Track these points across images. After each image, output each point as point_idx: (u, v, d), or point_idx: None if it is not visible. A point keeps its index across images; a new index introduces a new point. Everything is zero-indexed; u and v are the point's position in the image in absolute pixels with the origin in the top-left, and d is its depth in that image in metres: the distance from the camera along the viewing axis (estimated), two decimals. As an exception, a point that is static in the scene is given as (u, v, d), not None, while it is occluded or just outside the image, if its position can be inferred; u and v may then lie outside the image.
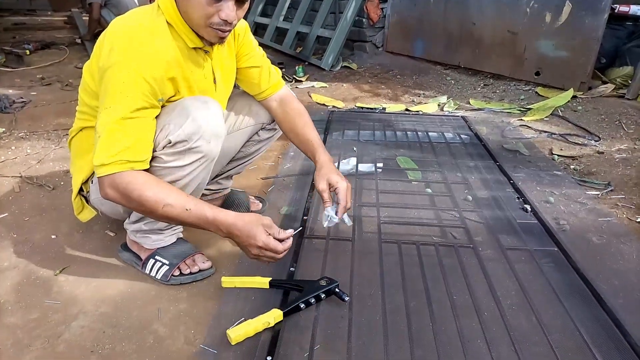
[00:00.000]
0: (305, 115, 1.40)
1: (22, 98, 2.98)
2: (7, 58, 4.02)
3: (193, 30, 1.10)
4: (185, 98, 1.13)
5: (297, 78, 3.73)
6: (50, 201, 1.70)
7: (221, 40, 1.10)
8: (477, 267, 1.31)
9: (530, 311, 1.15)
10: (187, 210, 1.03)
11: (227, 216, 1.06)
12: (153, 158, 1.10)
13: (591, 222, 1.60)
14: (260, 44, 1.43)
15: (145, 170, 1.05)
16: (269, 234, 1.08)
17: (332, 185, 1.25)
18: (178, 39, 1.10)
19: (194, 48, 1.13)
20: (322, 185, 1.25)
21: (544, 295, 1.22)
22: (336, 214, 1.23)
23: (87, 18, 4.83)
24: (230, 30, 1.08)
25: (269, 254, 1.08)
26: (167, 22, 1.08)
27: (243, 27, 1.31)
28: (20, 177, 1.88)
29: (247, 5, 1.08)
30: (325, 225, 1.27)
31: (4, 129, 2.41)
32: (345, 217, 1.28)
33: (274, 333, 1.05)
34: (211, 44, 1.16)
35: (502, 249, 1.40)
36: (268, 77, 1.38)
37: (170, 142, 1.07)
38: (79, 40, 5.08)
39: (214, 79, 1.24)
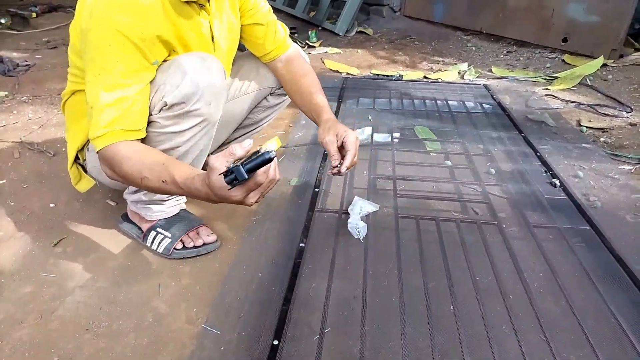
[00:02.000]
0: (310, 75, 1.28)
1: (26, 61, 2.88)
2: (12, 20, 3.90)
3: None
4: (181, 55, 1.01)
5: (310, 44, 3.57)
6: (50, 168, 1.62)
7: None
8: (502, 246, 1.21)
9: (560, 294, 1.05)
10: (163, 182, 0.89)
11: (194, 182, 0.84)
12: (149, 123, 1.00)
13: (624, 199, 1.48)
14: (272, 9, 1.30)
15: (141, 138, 0.96)
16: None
17: (339, 136, 1.11)
18: None
19: (187, 2, 1.00)
20: (329, 136, 1.11)
21: (575, 277, 1.12)
22: (338, 172, 1.09)
23: None
24: None
25: (253, 197, 0.81)
26: None
27: None
28: (21, 142, 1.81)
29: None
30: (355, 235, 1.24)
31: (6, 93, 2.33)
32: (368, 205, 1.26)
33: (281, 313, 0.97)
34: None
35: (529, 226, 1.29)
36: (274, 37, 1.26)
37: (166, 105, 0.97)
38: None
39: (212, 36, 1.11)
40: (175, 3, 0.98)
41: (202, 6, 1.05)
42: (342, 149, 1.11)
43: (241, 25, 1.23)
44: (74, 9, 0.98)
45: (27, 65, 2.82)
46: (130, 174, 0.92)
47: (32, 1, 5.12)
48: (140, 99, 0.95)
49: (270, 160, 0.73)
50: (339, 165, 1.09)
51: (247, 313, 1.01)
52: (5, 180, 1.53)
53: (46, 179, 1.55)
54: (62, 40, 3.50)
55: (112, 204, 1.42)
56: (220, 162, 0.77)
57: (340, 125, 1.13)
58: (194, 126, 1.01)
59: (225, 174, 0.75)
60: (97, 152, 0.96)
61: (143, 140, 1.01)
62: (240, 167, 0.73)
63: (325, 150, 1.67)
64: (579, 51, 2.91)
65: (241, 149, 0.77)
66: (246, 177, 0.73)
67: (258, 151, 0.75)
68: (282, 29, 1.30)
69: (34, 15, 4.21)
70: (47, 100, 2.26)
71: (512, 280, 1.10)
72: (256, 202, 0.82)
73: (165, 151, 1.02)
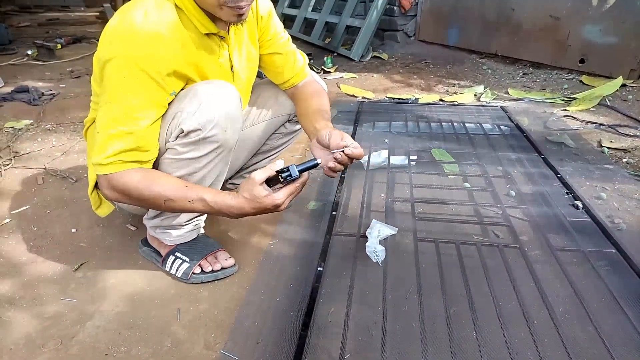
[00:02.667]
0: (319, 97, 1.24)
1: (51, 90, 2.98)
2: (39, 52, 4.06)
3: (206, 13, 1.00)
4: (198, 83, 1.03)
5: (326, 69, 3.62)
6: (72, 194, 1.65)
7: (239, 18, 0.98)
8: (525, 270, 1.18)
9: (587, 320, 1.02)
10: (189, 202, 0.97)
11: (226, 199, 0.96)
12: (167, 149, 1.02)
13: (650, 221, 1.44)
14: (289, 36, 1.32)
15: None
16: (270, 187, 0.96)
17: (343, 135, 1.02)
18: (189, 26, 0.99)
19: (207, 34, 1.03)
20: (333, 131, 1.03)
21: (602, 302, 1.09)
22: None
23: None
24: (248, 6, 0.96)
25: (288, 200, 0.97)
26: (176, 5, 0.97)
27: (267, 10, 1.20)
28: (45, 169, 1.85)
29: None
30: (374, 259, 1.23)
31: (31, 121, 2.40)
32: (386, 229, 1.26)
33: (300, 339, 0.96)
34: (229, 26, 1.06)
35: (552, 249, 1.26)
36: (292, 65, 1.28)
37: (183, 132, 0.99)
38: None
39: (232, 66, 1.14)
40: (195, 36, 1.01)
41: (222, 38, 1.07)
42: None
43: (260, 55, 1.25)
44: (97, 40, 1.02)
45: (51, 94, 2.92)
46: (152, 198, 0.96)
47: (57, 33, 5.33)
48: (150, 134, 0.97)
49: (317, 164, 0.93)
50: (341, 154, 0.98)
51: (265, 339, 1.00)
52: (28, 206, 1.57)
53: (68, 205, 1.58)
54: (85, 70, 3.62)
55: (132, 228, 1.43)
56: (262, 175, 0.93)
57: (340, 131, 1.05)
58: (210, 152, 1.03)
59: (281, 174, 0.92)
60: (98, 176, 0.99)
61: (160, 167, 1.04)
62: (294, 166, 0.91)
63: (342, 174, 1.67)
64: (597, 72, 2.89)
65: (277, 166, 0.95)
66: (298, 174, 0.92)
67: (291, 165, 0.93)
68: (302, 58, 1.31)
69: (59, 46, 4.38)
70: (70, 128, 2.32)
71: (536, 305, 1.07)
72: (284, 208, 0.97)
73: (182, 177, 1.04)
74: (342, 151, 0.97)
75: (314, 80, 1.33)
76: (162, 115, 1.01)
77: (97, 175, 0.99)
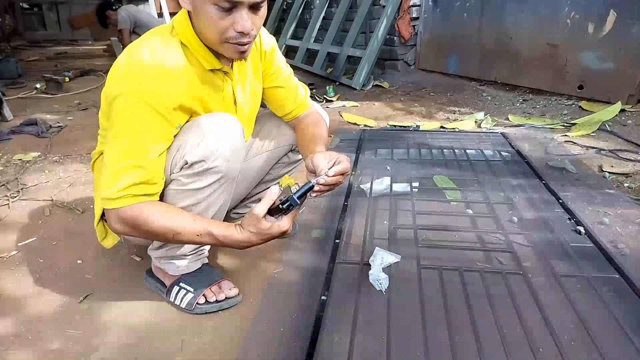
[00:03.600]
0: (319, 127, 1.27)
1: (58, 123, 3.04)
2: (47, 85, 4.16)
3: (210, 50, 1.04)
4: (201, 116, 1.06)
5: (328, 98, 3.68)
6: (78, 225, 1.67)
7: (242, 55, 1.02)
8: (529, 297, 1.18)
9: (593, 347, 1.01)
10: (198, 236, 1.01)
11: (234, 234, 1.00)
12: (172, 180, 1.05)
13: (654, 246, 1.44)
14: (291, 66, 1.37)
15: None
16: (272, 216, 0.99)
17: (330, 157, 1.03)
18: (193, 62, 1.03)
19: (212, 70, 1.07)
20: (320, 155, 1.04)
21: (608, 329, 1.08)
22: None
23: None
24: (250, 43, 1.00)
25: (292, 222, 1.01)
26: (181, 43, 1.02)
27: (270, 46, 1.24)
28: (51, 200, 1.88)
29: (263, 12, 0.99)
30: (377, 287, 1.23)
31: (39, 153, 2.44)
32: (389, 256, 1.26)
33: (305, 370, 0.96)
34: (232, 62, 1.10)
35: (556, 275, 1.26)
36: (294, 98, 1.31)
37: (187, 163, 1.02)
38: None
39: (235, 100, 1.17)
40: (200, 71, 1.05)
41: (226, 73, 1.11)
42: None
43: (263, 88, 1.29)
44: (105, 73, 1.06)
45: (59, 126, 2.98)
46: (161, 232, 1.00)
47: (65, 66, 5.47)
48: (158, 167, 1.01)
49: (313, 186, 0.96)
50: (323, 178, 0.98)
51: (269, 370, 0.99)
52: (35, 238, 1.58)
53: (74, 236, 1.59)
54: (92, 102, 3.70)
55: (137, 259, 1.44)
56: (263, 208, 0.96)
57: (334, 152, 1.08)
58: (213, 182, 1.05)
59: (282, 205, 0.96)
60: (106, 210, 1.01)
61: (165, 198, 1.07)
62: (294, 196, 0.95)
63: (345, 202, 1.69)
64: (596, 97, 2.93)
65: (274, 194, 0.97)
66: (299, 203, 0.96)
67: (287, 186, 0.98)
68: (303, 90, 1.35)
69: (67, 79, 4.49)
70: (77, 160, 2.36)
71: (541, 332, 1.06)
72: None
73: (187, 207, 1.07)
74: (326, 174, 0.99)
75: (315, 111, 1.36)
76: (167, 148, 1.03)
77: (105, 209, 1.01)
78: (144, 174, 0.98)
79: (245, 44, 0.99)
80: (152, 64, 0.97)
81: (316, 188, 0.98)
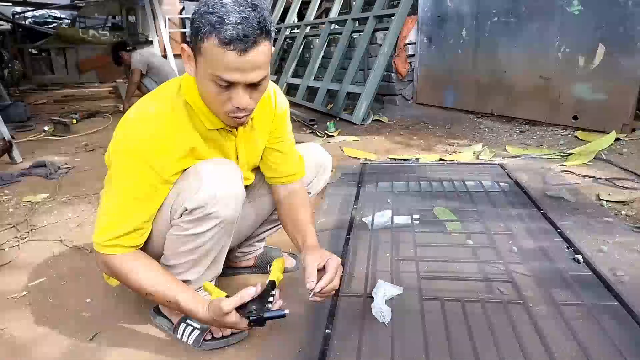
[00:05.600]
0: (307, 208, 1.32)
1: (66, 164, 3.12)
2: (55, 127, 4.27)
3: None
4: (200, 162, 1.10)
5: (329, 133, 3.77)
6: (87, 264, 1.71)
7: (240, 124, 1.09)
8: (530, 326, 1.20)
9: (594, 375, 1.03)
10: (167, 302, 1.08)
11: (198, 313, 1.05)
12: (173, 225, 1.11)
13: (653, 273, 1.46)
14: (293, 103, 1.43)
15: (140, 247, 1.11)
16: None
17: (322, 258, 1.11)
18: (197, 121, 1.09)
19: (215, 129, 1.12)
20: (311, 257, 1.12)
21: (608, 356, 1.10)
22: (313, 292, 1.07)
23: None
24: (247, 115, 1.05)
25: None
26: (187, 102, 1.07)
27: (283, 110, 1.28)
28: (60, 240, 1.92)
29: (264, 86, 1.02)
30: (380, 320, 1.25)
31: (48, 194, 2.50)
32: (391, 288, 1.28)
33: (311, 403, 0.97)
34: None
35: (556, 304, 1.29)
36: (289, 167, 1.33)
37: (186, 210, 1.06)
38: (122, 108, 5.38)
39: (237, 156, 1.22)
40: (203, 130, 1.10)
41: (229, 131, 1.16)
42: (322, 271, 1.10)
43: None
44: (111, 114, 1.13)
45: (67, 167, 3.05)
46: (136, 287, 1.09)
47: (72, 108, 5.61)
48: (146, 225, 1.09)
49: (284, 315, 1.00)
50: (313, 287, 1.05)
51: (276, 404, 1.01)
52: (45, 278, 1.62)
53: (83, 276, 1.63)
54: (99, 143, 3.79)
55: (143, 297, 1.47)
56: (231, 305, 0.99)
57: (325, 250, 1.16)
58: (213, 227, 1.09)
59: (249, 317, 1.00)
60: (98, 254, 1.09)
61: (167, 243, 1.14)
62: (263, 318, 1.00)
63: (347, 235, 1.72)
64: (591, 127, 2.99)
65: (248, 295, 1.00)
66: (264, 325, 1.02)
67: (272, 283, 1.08)
68: (299, 161, 1.36)
69: (74, 121, 4.60)
70: (85, 200, 2.41)
71: (543, 361, 1.08)
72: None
73: (188, 251, 1.13)
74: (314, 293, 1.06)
75: (303, 187, 1.37)
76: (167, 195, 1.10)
77: (95, 250, 1.09)
78: (135, 225, 1.06)
79: (242, 117, 1.05)
80: (156, 124, 1.04)
81: (315, 297, 1.06)
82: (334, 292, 1.09)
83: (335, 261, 1.10)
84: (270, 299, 1.04)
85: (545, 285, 1.39)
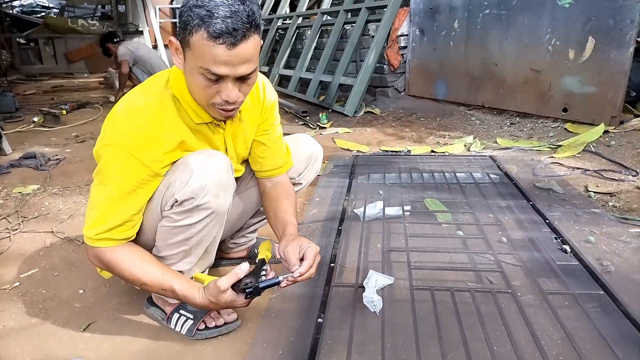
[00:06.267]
0: (291, 198, 1.31)
1: (57, 155, 3.09)
2: (45, 118, 4.22)
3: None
4: (190, 154, 1.10)
5: (321, 125, 3.77)
6: (79, 255, 1.71)
7: (228, 117, 1.09)
8: (517, 314, 1.23)
9: (579, 362, 1.05)
10: (162, 290, 1.08)
11: (195, 298, 1.06)
12: (164, 217, 1.11)
13: (638, 262, 1.49)
14: (285, 95, 1.43)
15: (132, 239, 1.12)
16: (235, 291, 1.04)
17: (301, 247, 1.09)
18: (184, 114, 1.09)
19: (202, 122, 1.12)
20: (290, 246, 1.10)
21: (593, 343, 1.13)
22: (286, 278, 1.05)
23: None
24: (235, 109, 1.05)
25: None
26: (175, 96, 1.07)
27: (272, 101, 1.28)
28: (52, 232, 1.91)
29: (253, 80, 1.03)
30: (371, 309, 1.27)
31: (38, 186, 2.49)
32: (382, 278, 1.29)
33: (303, 390, 0.99)
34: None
35: (543, 293, 1.31)
36: (274, 161, 1.33)
37: (177, 201, 1.07)
38: (112, 99, 5.34)
39: (226, 149, 1.22)
40: (191, 123, 1.10)
41: (217, 125, 1.16)
42: (301, 260, 1.08)
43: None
44: (101, 105, 1.13)
45: (57, 159, 3.03)
46: (130, 279, 1.09)
47: (62, 99, 5.55)
48: (136, 217, 1.09)
49: (279, 283, 1.02)
50: (302, 272, 1.04)
51: (269, 391, 1.03)
52: (37, 269, 1.62)
53: (75, 267, 1.63)
54: (90, 134, 3.76)
55: (138, 287, 1.47)
56: (227, 282, 1.00)
57: (303, 238, 1.13)
58: (204, 218, 1.10)
59: (245, 290, 1.01)
60: (89, 248, 1.09)
61: (158, 235, 1.14)
62: (259, 288, 1.01)
63: (339, 226, 1.74)
64: (580, 120, 3.03)
65: (242, 272, 1.01)
66: (260, 294, 1.02)
67: (262, 261, 1.10)
68: (285, 152, 1.36)
69: (64, 112, 4.55)
70: (76, 191, 2.40)
71: (530, 349, 1.11)
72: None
73: (180, 242, 1.13)
74: (289, 277, 1.04)
75: (287, 180, 1.37)
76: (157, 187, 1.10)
77: (85, 244, 1.09)
78: (125, 218, 1.06)
79: (231, 110, 1.05)
80: (144, 118, 1.04)
81: (283, 284, 1.04)
82: (310, 278, 1.07)
83: (314, 249, 1.08)
84: (263, 272, 1.05)
85: (533, 274, 1.42)
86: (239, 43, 0.92)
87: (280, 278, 1.02)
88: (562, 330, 1.16)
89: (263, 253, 1.13)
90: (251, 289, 1.00)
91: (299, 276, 1.04)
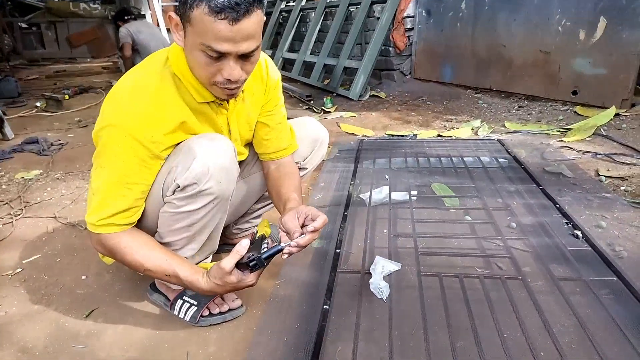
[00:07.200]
0: (295, 178, 1.27)
1: (59, 140, 3.07)
2: (47, 103, 4.20)
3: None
4: (192, 137, 1.07)
5: (326, 109, 3.72)
6: (82, 241, 1.69)
7: (230, 96, 1.04)
8: (528, 301, 1.20)
9: (592, 349, 1.03)
10: (166, 275, 1.06)
11: (199, 283, 1.04)
12: (165, 203, 1.08)
13: (651, 248, 1.46)
14: (289, 78, 1.38)
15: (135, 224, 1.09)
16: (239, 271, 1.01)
17: (299, 212, 1.04)
18: (185, 93, 1.04)
19: (205, 102, 1.08)
20: (288, 215, 1.04)
21: (607, 330, 1.10)
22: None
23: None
24: (238, 87, 1.01)
25: (258, 277, 1.05)
26: (175, 74, 1.03)
27: (275, 80, 1.24)
28: (54, 217, 1.89)
29: (256, 58, 0.98)
30: (378, 295, 1.25)
31: (41, 171, 2.47)
32: (389, 264, 1.26)
33: (309, 378, 0.97)
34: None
35: (554, 279, 1.28)
36: (278, 143, 1.29)
37: (179, 186, 1.03)
38: (114, 83, 5.30)
39: (229, 130, 1.18)
40: (192, 102, 1.06)
41: (220, 104, 1.12)
42: (303, 227, 1.03)
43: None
44: (104, 90, 1.09)
45: (60, 144, 3.00)
46: (133, 265, 1.06)
47: (65, 84, 5.51)
48: (139, 200, 1.05)
49: (282, 250, 0.97)
50: (295, 241, 0.99)
51: (274, 379, 1.01)
52: (40, 255, 1.60)
53: (78, 252, 1.61)
54: (92, 119, 3.73)
55: (141, 274, 1.45)
56: (230, 262, 0.97)
57: (302, 206, 1.08)
58: (207, 204, 1.06)
59: (249, 264, 0.97)
60: (93, 234, 1.07)
61: (160, 221, 1.11)
62: (261, 257, 0.97)
63: (345, 212, 1.71)
64: (590, 102, 2.96)
65: (243, 248, 0.98)
66: (265, 264, 0.98)
67: (261, 236, 1.05)
68: (290, 134, 1.32)
69: (67, 97, 4.53)
70: (79, 177, 2.38)
71: (541, 336, 1.08)
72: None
73: (183, 228, 1.10)
74: (297, 241, 0.99)
75: (292, 162, 1.33)
76: (158, 171, 1.06)
77: (88, 230, 1.07)
78: (127, 203, 1.03)
79: (233, 89, 1.00)
80: (143, 98, 1.00)
81: (286, 251, 0.98)
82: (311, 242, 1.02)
83: (316, 211, 1.02)
84: (264, 246, 1.02)
85: (543, 260, 1.39)
86: (242, 18, 0.88)
87: (283, 244, 0.98)
88: (574, 317, 1.13)
89: (262, 230, 1.11)
90: (255, 262, 0.97)
91: (305, 241, 0.99)
